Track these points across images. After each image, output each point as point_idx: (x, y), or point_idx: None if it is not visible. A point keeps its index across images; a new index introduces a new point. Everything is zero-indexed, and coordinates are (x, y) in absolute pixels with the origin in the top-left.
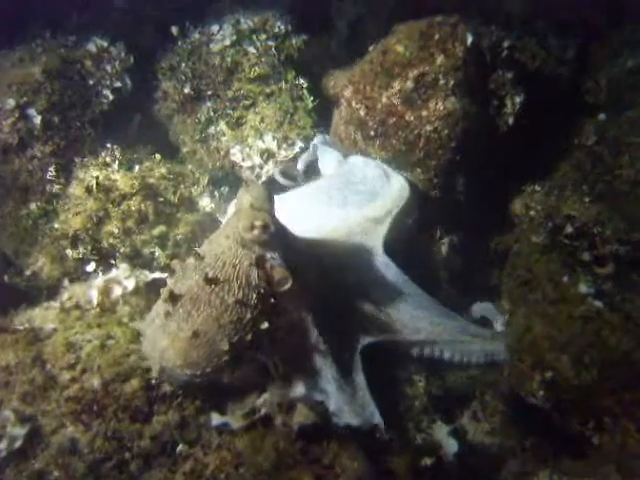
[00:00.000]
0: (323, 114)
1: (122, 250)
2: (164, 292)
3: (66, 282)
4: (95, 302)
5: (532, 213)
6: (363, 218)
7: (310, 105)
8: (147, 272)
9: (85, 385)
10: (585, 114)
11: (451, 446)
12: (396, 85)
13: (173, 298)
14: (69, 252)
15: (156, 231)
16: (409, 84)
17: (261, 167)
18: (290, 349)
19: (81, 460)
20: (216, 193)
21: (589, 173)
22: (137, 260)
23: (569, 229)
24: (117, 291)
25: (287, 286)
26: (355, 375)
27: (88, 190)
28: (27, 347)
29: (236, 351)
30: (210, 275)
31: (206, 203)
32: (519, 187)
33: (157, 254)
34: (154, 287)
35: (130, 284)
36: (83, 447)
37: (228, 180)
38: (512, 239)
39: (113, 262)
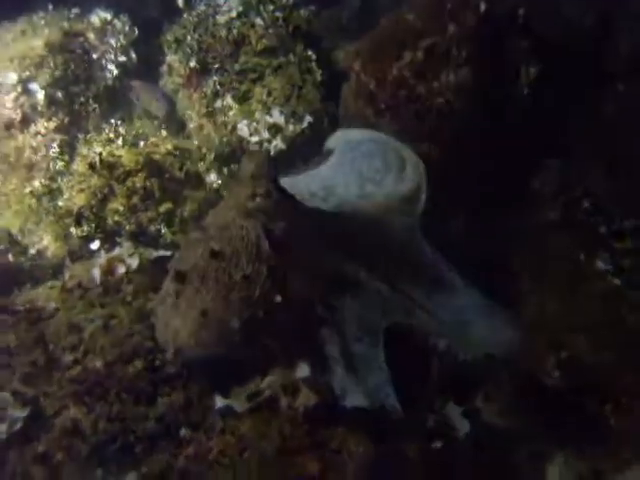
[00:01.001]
0: (333, 88)
1: (127, 227)
2: (170, 270)
3: (68, 261)
4: (98, 281)
5: (548, 188)
6: (388, 196)
7: (319, 78)
8: (151, 250)
9: (88, 366)
10: (604, 84)
11: (463, 426)
12: (407, 56)
13: (180, 276)
14: (73, 230)
15: (162, 208)
16: (420, 55)
17: (269, 142)
18: (296, 325)
19: (84, 442)
20: (224, 169)
21: (608, 145)
22: (143, 238)
23: (586, 204)
24: (121, 269)
25: (291, 260)
26: (375, 354)
27: (92, 167)
28: (29, 328)
29: (249, 328)
30: (216, 249)
31: (213, 179)
32: (535, 161)
33: (163, 231)
34: (159, 265)
35: (134, 262)
36: (86, 429)
37: (236, 156)
38: (529, 216)
39: (118, 240)
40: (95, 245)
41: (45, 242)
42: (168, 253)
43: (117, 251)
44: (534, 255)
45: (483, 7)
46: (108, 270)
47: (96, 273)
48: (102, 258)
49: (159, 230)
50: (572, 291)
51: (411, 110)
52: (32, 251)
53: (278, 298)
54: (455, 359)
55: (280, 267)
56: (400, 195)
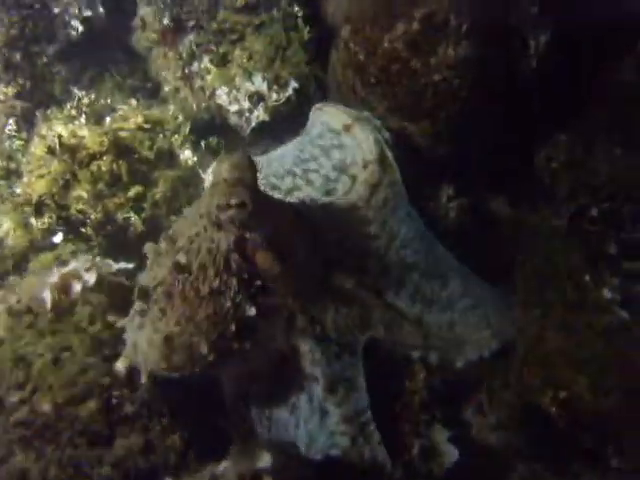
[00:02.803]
0: (322, 47)
1: (93, 217)
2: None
3: (11, 278)
4: (49, 305)
5: (554, 165)
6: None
7: (306, 36)
8: (110, 261)
9: (36, 408)
10: (624, 43)
11: (451, 454)
12: (400, 27)
13: (142, 294)
14: (33, 221)
15: (131, 192)
16: (415, 26)
17: (250, 111)
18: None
19: None
20: (201, 143)
21: (624, 116)
22: (111, 226)
23: (594, 212)
24: (76, 287)
25: (274, 271)
26: (355, 374)
27: (51, 151)
28: None
29: (220, 348)
30: (183, 262)
31: (188, 156)
32: (542, 136)
33: (132, 219)
34: (120, 279)
35: (91, 278)
36: (35, 477)
37: (214, 126)
38: (533, 208)
39: (83, 230)
40: (58, 238)
41: (5, 228)
42: (130, 265)
43: (72, 265)
44: (535, 267)
45: None
46: (62, 289)
47: (47, 296)
48: (54, 276)
49: (128, 218)
50: (573, 322)
51: (405, 87)
52: None
53: (252, 311)
54: (446, 371)
55: (254, 278)
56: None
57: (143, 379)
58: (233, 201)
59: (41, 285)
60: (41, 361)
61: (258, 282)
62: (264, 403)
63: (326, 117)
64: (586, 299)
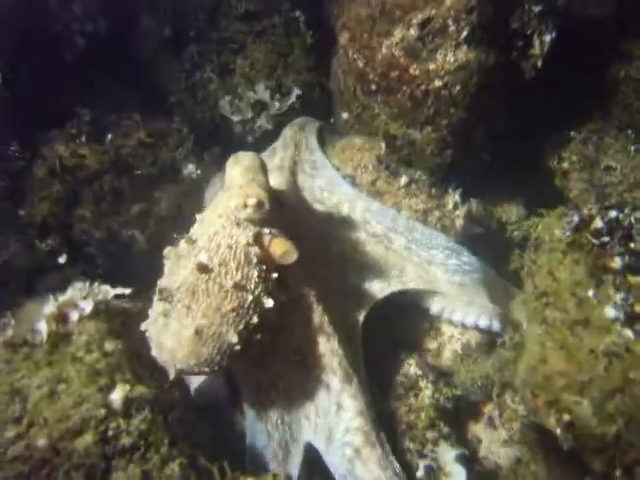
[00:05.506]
0: (325, 51)
1: (97, 235)
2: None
3: (9, 314)
4: (45, 337)
5: (565, 165)
6: None
7: (308, 41)
8: (108, 287)
9: (32, 442)
10: (634, 38)
11: (458, 474)
12: (397, 33)
13: (164, 294)
14: (38, 243)
15: (135, 209)
16: (412, 32)
17: (253, 121)
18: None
19: None
20: (205, 155)
21: (636, 112)
22: (113, 246)
23: (598, 223)
24: (73, 316)
25: (293, 258)
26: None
27: (52, 173)
28: None
29: (245, 338)
30: (205, 260)
31: (191, 170)
32: (552, 136)
33: (137, 237)
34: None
35: (87, 306)
36: None
37: (219, 135)
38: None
39: (87, 249)
40: (62, 259)
41: (12, 250)
42: (127, 291)
43: (68, 294)
44: (537, 283)
45: None
46: (58, 319)
47: (42, 327)
48: (51, 306)
49: (132, 236)
50: (575, 343)
51: (405, 93)
52: None
53: (269, 303)
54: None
55: (274, 269)
56: None
57: (171, 377)
58: (250, 201)
59: (37, 315)
60: (37, 394)
61: (274, 275)
62: (282, 394)
63: None
64: (589, 317)
